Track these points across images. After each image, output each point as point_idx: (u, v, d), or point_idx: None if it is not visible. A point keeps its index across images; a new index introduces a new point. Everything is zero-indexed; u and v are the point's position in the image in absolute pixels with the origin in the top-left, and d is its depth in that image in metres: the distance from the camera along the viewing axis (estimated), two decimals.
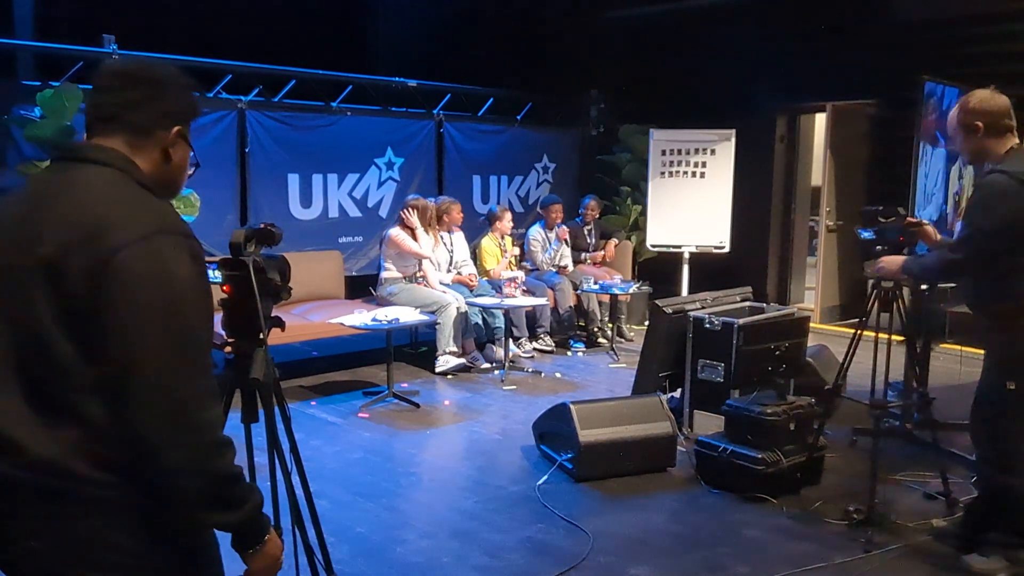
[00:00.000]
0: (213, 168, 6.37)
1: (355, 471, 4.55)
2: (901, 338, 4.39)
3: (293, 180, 6.98)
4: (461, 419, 5.57)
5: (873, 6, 7.93)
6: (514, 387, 6.25)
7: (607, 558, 3.56)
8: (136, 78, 1.61)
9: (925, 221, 3.99)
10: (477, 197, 8.46)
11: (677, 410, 5.06)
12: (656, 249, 8.34)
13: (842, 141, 8.48)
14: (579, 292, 7.50)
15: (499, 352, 6.76)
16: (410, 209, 6.67)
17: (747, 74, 8.52)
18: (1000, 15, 7.32)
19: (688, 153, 8.22)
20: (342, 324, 5.69)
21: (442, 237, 6.98)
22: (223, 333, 2.36)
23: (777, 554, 3.59)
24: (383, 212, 7.61)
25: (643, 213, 8.52)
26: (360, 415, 5.55)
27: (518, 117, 8.83)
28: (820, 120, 8.97)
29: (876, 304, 4.00)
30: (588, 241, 8.20)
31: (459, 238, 7.20)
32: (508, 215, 7.47)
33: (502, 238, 7.43)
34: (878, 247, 3.93)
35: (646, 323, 6.26)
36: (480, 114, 8.56)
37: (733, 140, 8.09)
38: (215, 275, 2.29)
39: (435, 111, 8.03)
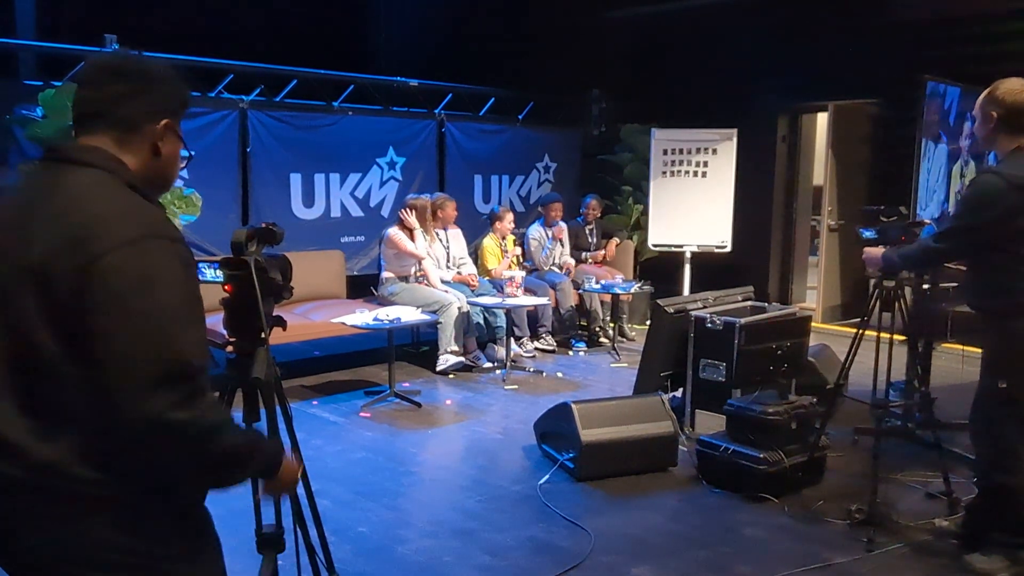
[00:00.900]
0: (215, 168, 6.38)
1: (357, 470, 4.56)
2: (903, 337, 4.39)
3: (295, 180, 6.99)
4: (462, 419, 5.57)
5: (875, 5, 7.92)
6: (515, 387, 6.25)
7: (608, 557, 3.56)
8: (121, 72, 1.59)
9: (927, 220, 4.00)
10: (478, 196, 8.46)
11: (679, 409, 5.06)
12: (658, 249, 8.33)
13: (844, 141, 8.47)
14: (581, 292, 7.50)
15: (500, 351, 6.76)
16: (408, 209, 6.67)
17: (749, 74, 8.51)
18: (1002, 14, 7.31)
19: (690, 153, 8.22)
20: (344, 324, 5.70)
21: (438, 234, 6.98)
22: (224, 332, 2.36)
23: (778, 554, 3.59)
24: (385, 212, 7.61)
25: (644, 213, 8.52)
26: (362, 414, 5.55)
27: (519, 117, 8.83)
28: (822, 119, 8.96)
29: (878, 303, 4.00)
30: (589, 241, 8.20)
31: (456, 235, 7.19)
32: (509, 215, 7.47)
33: (503, 238, 7.43)
34: (879, 247, 3.93)
35: (648, 323, 6.25)
36: (481, 114, 8.56)
37: (735, 140, 8.09)
38: (217, 274, 2.30)
39: (437, 111, 8.03)
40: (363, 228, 7.47)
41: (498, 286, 6.93)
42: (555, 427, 4.61)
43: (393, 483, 4.40)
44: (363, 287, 7.20)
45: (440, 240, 7.00)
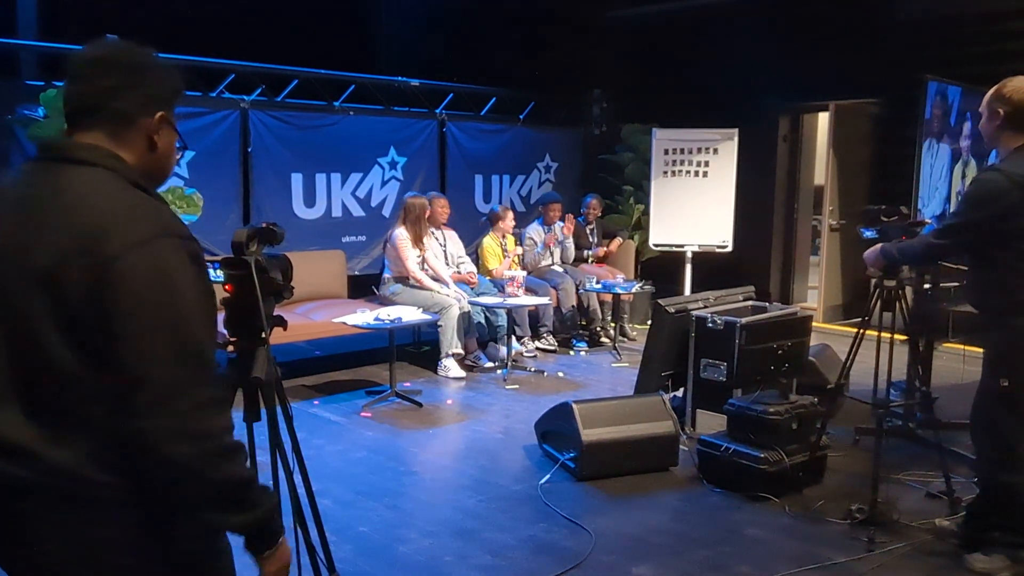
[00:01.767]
0: (216, 168, 6.39)
1: (357, 470, 4.56)
2: (904, 337, 4.39)
3: (296, 179, 6.99)
4: (464, 418, 5.57)
5: (876, 5, 7.92)
6: (517, 386, 6.25)
7: (609, 557, 3.56)
8: (112, 64, 1.54)
9: (928, 220, 4.00)
10: (479, 196, 8.47)
11: (679, 409, 5.06)
12: (659, 248, 8.33)
13: (845, 140, 8.47)
14: (581, 291, 7.50)
15: (502, 351, 6.76)
16: (411, 208, 6.66)
17: (750, 73, 8.51)
18: (1003, 13, 7.31)
19: (691, 152, 8.22)
20: (345, 323, 5.70)
21: (434, 233, 6.98)
22: (225, 332, 2.36)
23: (779, 553, 3.59)
24: (386, 212, 7.62)
25: (646, 212, 8.52)
26: (363, 414, 5.56)
27: (520, 116, 8.83)
28: (823, 119, 8.96)
29: (879, 303, 4.00)
30: (590, 240, 8.20)
31: (451, 235, 7.19)
32: (510, 214, 7.47)
33: (503, 237, 7.43)
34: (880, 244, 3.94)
35: (648, 322, 6.25)
36: (483, 113, 8.56)
37: (736, 139, 8.09)
38: (217, 274, 2.30)
39: (438, 110, 8.04)
40: (364, 228, 7.47)
41: (499, 286, 6.93)
42: (556, 427, 4.61)
43: (394, 483, 4.40)
44: (364, 287, 7.21)
45: (437, 239, 7.00)
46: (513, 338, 6.85)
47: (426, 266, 6.66)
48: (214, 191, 6.34)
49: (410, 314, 5.83)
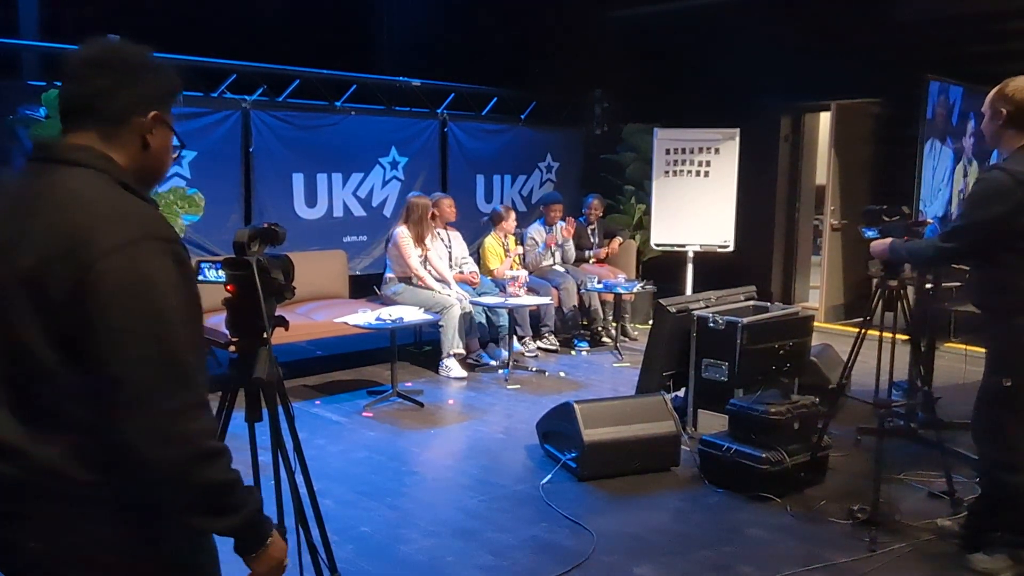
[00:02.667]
0: (217, 168, 6.39)
1: (359, 470, 4.56)
2: (905, 337, 4.38)
3: (297, 179, 7.00)
4: (465, 418, 5.57)
5: (877, 5, 7.91)
6: (518, 386, 6.25)
7: (611, 557, 3.56)
8: (104, 64, 1.53)
9: (930, 220, 4.00)
10: (480, 196, 8.47)
11: (681, 409, 5.06)
12: (660, 248, 8.33)
13: (846, 140, 8.46)
14: (583, 291, 7.50)
15: (503, 351, 6.76)
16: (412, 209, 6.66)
17: (751, 73, 8.50)
18: (1005, 13, 7.30)
19: (692, 152, 8.22)
20: (346, 323, 5.70)
21: (439, 234, 6.98)
22: (227, 332, 2.36)
23: (781, 553, 3.59)
24: (387, 211, 7.62)
25: (647, 212, 8.52)
26: (364, 414, 5.56)
27: (522, 116, 8.83)
28: (824, 119, 8.95)
29: (880, 303, 4.00)
30: (592, 240, 8.20)
31: (456, 236, 7.19)
32: (512, 215, 7.47)
33: (505, 237, 7.43)
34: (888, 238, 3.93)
35: (650, 322, 6.25)
36: (484, 113, 8.56)
37: (737, 139, 8.08)
38: (219, 274, 2.30)
39: (439, 110, 8.04)
40: (365, 228, 7.47)
41: (501, 285, 6.93)
42: (557, 427, 4.61)
43: (395, 483, 4.40)
44: (365, 287, 7.21)
45: (442, 240, 7.00)
46: (514, 338, 6.84)
47: (428, 266, 6.66)
48: (215, 191, 6.34)
49: (411, 314, 5.83)
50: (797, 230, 9.28)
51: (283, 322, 2.41)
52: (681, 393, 5.29)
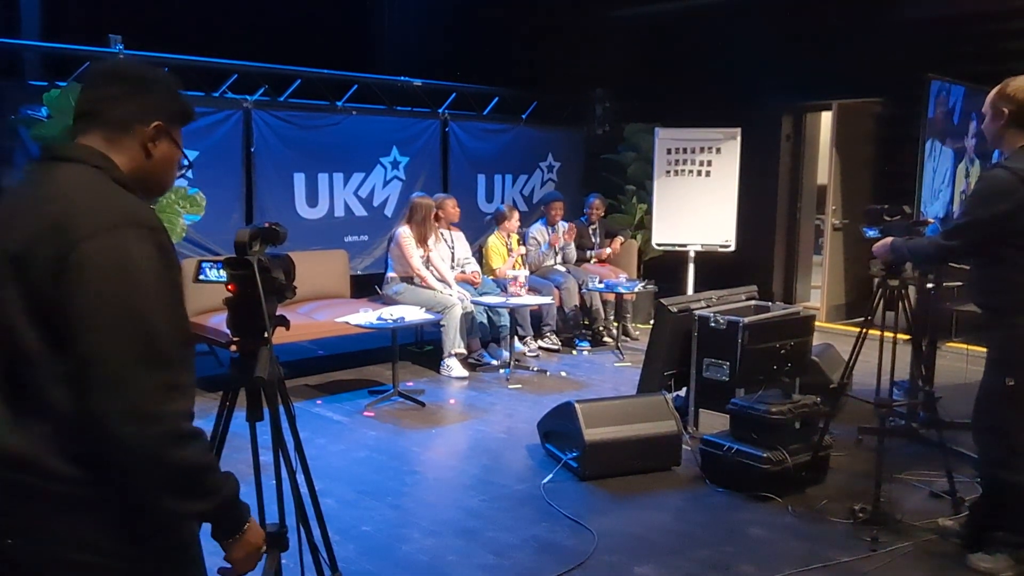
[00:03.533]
0: (219, 168, 6.40)
1: (360, 470, 4.56)
2: (907, 337, 4.38)
3: (299, 179, 7.00)
4: (466, 418, 5.57)
5: (879, 4, 7.91)
6: (519, 386, 6.26)
7: (612, 557, 3.56)
8: (119, 75, 1.64)
9: (931, 219, 3.99)
10: (481, 196, 8.47)
11: (682, 409, 5.06)
12: (661, 248, 8.33)
13: (848, 139, 8.46)
14: (584, 291, 7.50)
15: (504, 351, 6.76)
16: (418, 208, 6.66)
17: (753, 72, 8.50)
18: (1006, 13, 7.30)
19: (693, 152, 8.21)
20: (347, 323, 5.70)
21: (442, 234, 6.98)
22: (228, 331, 2.36)
23: (782, 553, 3.59)
24: (388, 211, 7.62)
25: (648, 212, 8.52)
26: (365, 414, 5.56)
27: (523, 116, 8.83)
28: (826, 118, 8.95)
29: (882, 303, 4.00)
30: (593, 240, 8.20)
31: (459, 236, 7.19)
32: (516, 214, 7.47)
33: (508, 237, 7.43)
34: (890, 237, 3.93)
35: (651, 322, 6.26)
36: (485, 113, 8.56)
37: (739, 139, 8.08)
38: (220, 274, 2.30)
39: (440, 110, 8.04)
40: (366, 228, 7.48)
41: (502, 285, 6.93)
42: (559, 426, 4.61)
43: (397, 482, 4.41)
44: (366, 287, 7.21)
45: (445, 241, 7.01)
46: (515, 338, 6.84)
47: (430, 266, 6.67)
48: (217, 191, 6.35)
49: (413, 314, 5.83)
50: (798, 230, 9.28)
51: (284, 322, 2.42)
52: (682, 393, 5.29)
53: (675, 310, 5.18)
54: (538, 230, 7.81)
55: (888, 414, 4.00)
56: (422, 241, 6.61)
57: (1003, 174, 3.13)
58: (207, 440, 1.53)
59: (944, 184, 5.47)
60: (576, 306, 7.52)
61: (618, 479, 4.36)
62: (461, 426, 5.43)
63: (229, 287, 2.30)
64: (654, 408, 4.55)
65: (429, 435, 5.21)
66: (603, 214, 8.29)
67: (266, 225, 2.39)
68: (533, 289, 7.04)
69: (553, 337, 7.39)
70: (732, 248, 8.12)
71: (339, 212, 7.29)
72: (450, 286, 6.67)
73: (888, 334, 4.07)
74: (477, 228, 7.96)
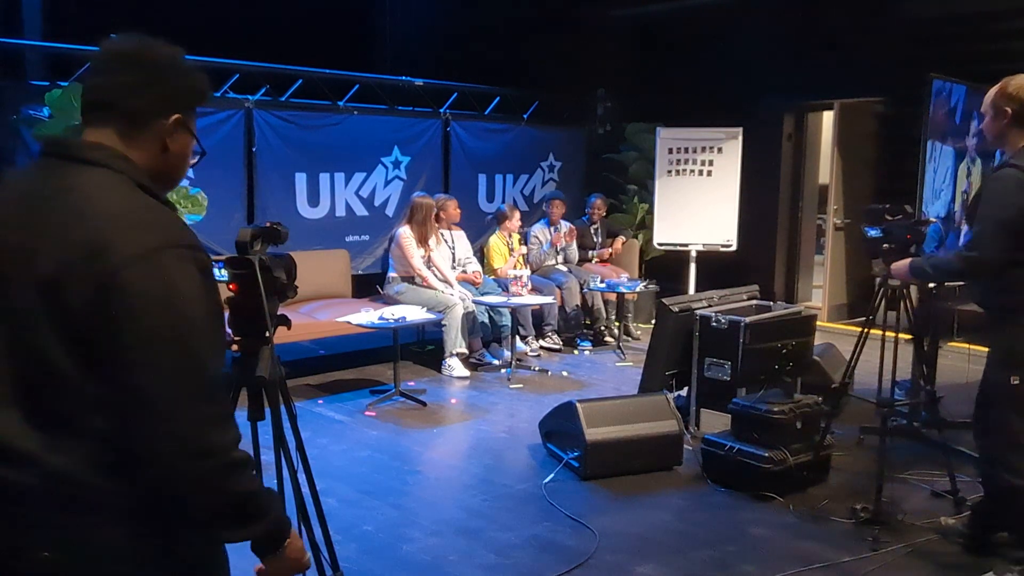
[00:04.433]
0: (220, 167, 6.40)
1: (362, 469, 4.57)
2: (908, 336, 4.38)
3: (300, 179, 7.00)
4: (468, 417, 5.57)
5: (881, 3, 7.90)
6: (521, 386, 6.26)
7: (613, 556, 3.56)
8: (134, 60, 1.51)
9: (933, 219, 3.98)
10: (482, 196, 8.46)
11: (683, 408, 5.05)
12: (663, 247, 8.33)
13: (850, 139, 8.46)
14: (586, 291, 7.50)
15: (506, 351, 6.76)
16: (417, 208, 6.66)
17: (754, 72, 8.50)
18: (1009, 12, 7.29)
19: (695, 151, 8.21)
20: (349, 323, 5.70)
21: (442, 234, 6.98)
22: (229, 331, 2.36)
23: (784, 553, 3.59)
24: (390, 211, 7.62)
25: (650, 212, 8.51)
26: (367, 413, 5.56)
27: (524, 116, 8.83)
28: (828, 118, 8.95)
29: (883, 302, 3.99)
30: (594, 240, 8.20)
31: (460, 236, 7.19)
32: (517, 213, 7.47)
33: (509, 236, 7.43)
34: (885, 245, 3.93)
35: (653, 321, 6.24)
36: (487, 113, 8.56)
37: (740, 138, 8.07)
38: (221, 274, 2.30)
39: (442, 110, 8.03)
40: (368, 227, 7.47)
41: (503, 285, 6.93)
42: (560, 426, 4.61)
43: (398, 482, 4.41)
44: (368, 286, 7.22)
45: (446, 241, 7.01)
46: (517, 337, 6.84)
47: (431, 266, 6.67)
48: (218, 191, 6.34)
49: (414, 313, 5.83)
50: (800, 229, 9.27)
51: (285, 321, 2.42)
52: (684, 392, 5.28)
53: (677, 310, 5.17)
54: (540, 229, 7.81)
55: (890, 414, 4.00)
56: (423, 241, 6.62)
57: (1014, 172, 3.08)
58: (254, 464, 1.51)
59: (945, 184, 5.46)
60: (578, 306, 7.52)
61: (619, 479, 4.36)
62: (462, 426, 5.44)
63: (231, 287, 2.30)
64: (655, 408, 4.55)
65: (430, 435, 5.21)
66: (605, 214, 8.29)
67: (267, 225, 2.39)
68: (535, 289, 7.04)
69: (554, 337, 7.39)
70: (733, 248, 8.11)
71: (340, 212, 7.29)
72: (451, 285, 6.67)
73: (890, 334, 4.07)
74: (478, 228, 7.96)
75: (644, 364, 5.40)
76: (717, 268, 7.85)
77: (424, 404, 5.72)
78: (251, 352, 2.33)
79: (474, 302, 6.70)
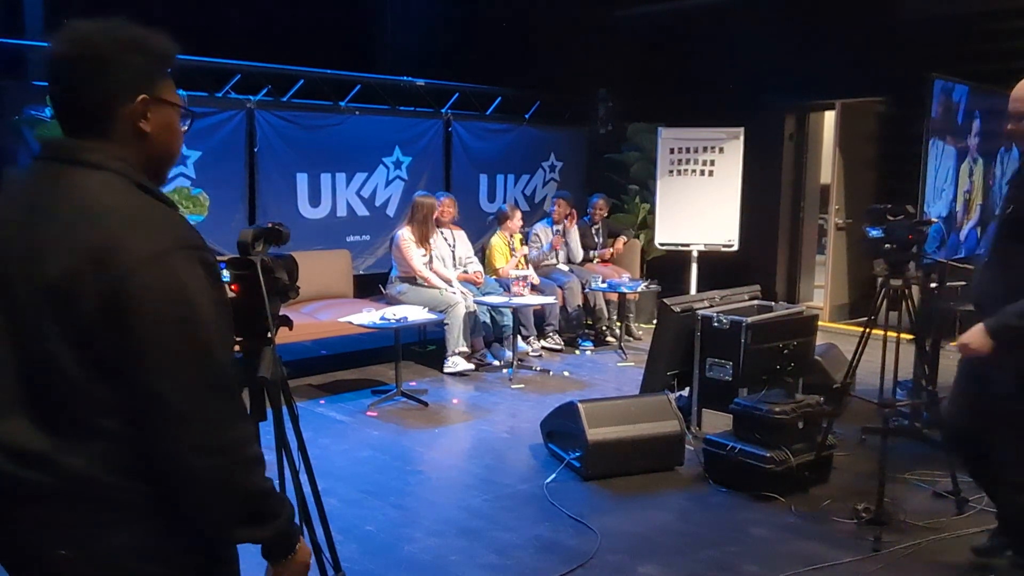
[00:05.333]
0: (222, 168, 6.41)
1: (363, 469, 4.57)
2: (910, 336, 4.38)
3: (301, 179, 7.01)
4: (469, 418, 5.57)
5: (882, 3, 7.90)
6: (522, 386, 6.26)
7: (615, 556, 3.56)
8: (73, 57, 1.42)
9: (935, 219, 3.97)
10: (483, 196, 8.47)
11: (685, 408, 5.05)
12: (664, 247, 8.32)
13: (851, 139, 8.45)
14: (587, 291, 7.50)
15: (507, 351, 6.76)
16: (417, 208, 6.66)
17: (756, 72, 8.49)
18: (1010, 12, 7.29)
19: (696, 151, 8.21)
20: (350, 323, 5.71)
21: (443, 234, 6.98)
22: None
23: (785, 553, 3.58)
24: (391, 211, 7.62)
25: (651, 212, 8.51)
26: (368, 413, 5.56)
27: (526, 116, 8.83)
28: (829, 118, 8.95)
29: (885, 302, 3.99)
30: (596, 240, 8.19)
31: (460, 235, 7.20)
32: (518, 214, 7.47)
33: (511, 236, 7.43)
34: (887, 245, 3.92)
35: (654, 322, 6.24)
36: (488, 113, 8.56)
37: (742, 138, 8.07)
38: (223, 274, 2.31)
39: (443, 110, 8.04)
40: (369, 227, 7.48)
41: (505, 285, 6.94)
42: (562, 426, 4.61)
43: (400, 482, 4.41)
44: (369, 286, 7.22)
45: (446, 240, 7.01)
46: (518, 337, 6.85)
47: (432, 266, 6.67)
48: (220, 191, 6.36)
49: (416, 313, 5.83)
50: (802, 229, 9.26)
51: (287, 321, 2.42)
52: (685, 392, 5.28)
53: (678, 310, 5.17)
54: (541, 229, 7.81)
55: (891, 414, 4.00)
56: (423, 241, 6.62)
57: None
58: (266, 463, 1.50)
59: (947, 184, 5.46)
60: (579, 306, 7.52)
61: (621, 479, 4.36)
62: (464, 426, 5.44)
63: (232, 287, 2.30)
64: (657, 408, 4.55)
65: (432, 435, 5.21)
66: (606, 214, 8.29)
67: (269, 225, 2.39)
68: (536, 289, 7.04)
69: (556, 337, 7.39)
70: (735, 248, 8.11)
71: (341, 212, 7.30)
72: (452, 285, 6.67)
73: (891, 334, 4.06)
74: (479, 228, 7.96)
75: (645, 364, 5.40)
76: (718, 268, 7.85)
77: (426, 404, 5.72)
78: (253, 352, 2.33)
79: (476, 302, 6.70)
